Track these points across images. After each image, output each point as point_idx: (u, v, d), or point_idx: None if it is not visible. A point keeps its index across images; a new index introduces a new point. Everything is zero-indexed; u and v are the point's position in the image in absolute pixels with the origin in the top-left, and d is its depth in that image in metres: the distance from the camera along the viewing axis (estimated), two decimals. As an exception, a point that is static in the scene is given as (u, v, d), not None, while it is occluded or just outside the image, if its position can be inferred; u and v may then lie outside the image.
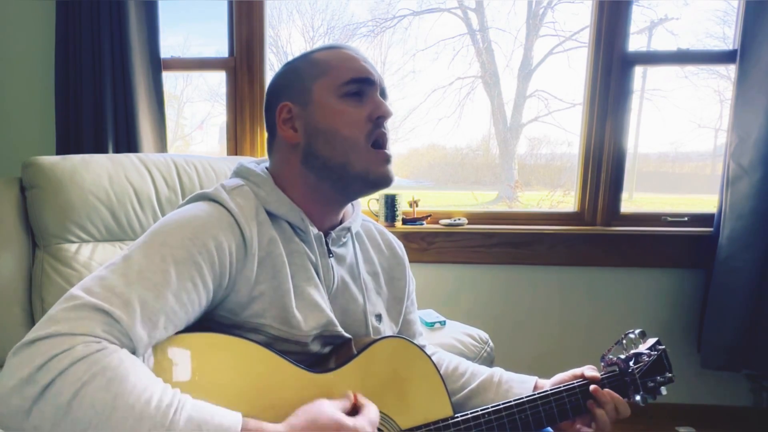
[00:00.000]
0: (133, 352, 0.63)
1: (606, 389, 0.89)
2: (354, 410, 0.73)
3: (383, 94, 0.85)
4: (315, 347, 0.82)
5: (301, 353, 0.79)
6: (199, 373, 0.69)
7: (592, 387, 0.89)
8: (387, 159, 0.82)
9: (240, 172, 0.87)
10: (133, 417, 0.55)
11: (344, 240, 0.90)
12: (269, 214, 0.81)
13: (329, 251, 0.86)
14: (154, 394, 0.58)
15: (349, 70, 0.81)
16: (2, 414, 0.56)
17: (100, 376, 0.56)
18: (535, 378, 0.95)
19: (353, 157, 0.80)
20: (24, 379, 0.55)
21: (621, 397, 0.89)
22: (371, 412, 0.72)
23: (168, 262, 0.68)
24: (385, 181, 0.82)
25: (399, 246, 1.03)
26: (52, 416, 0.54)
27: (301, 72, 0.84)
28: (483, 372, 0.99)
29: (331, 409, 0.68)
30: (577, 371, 0.92)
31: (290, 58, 0.89)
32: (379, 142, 0.81)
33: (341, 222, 0.90)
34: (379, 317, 0.92)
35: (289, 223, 0.83)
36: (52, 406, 0.54)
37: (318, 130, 0.81)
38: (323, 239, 0.85)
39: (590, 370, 0.92)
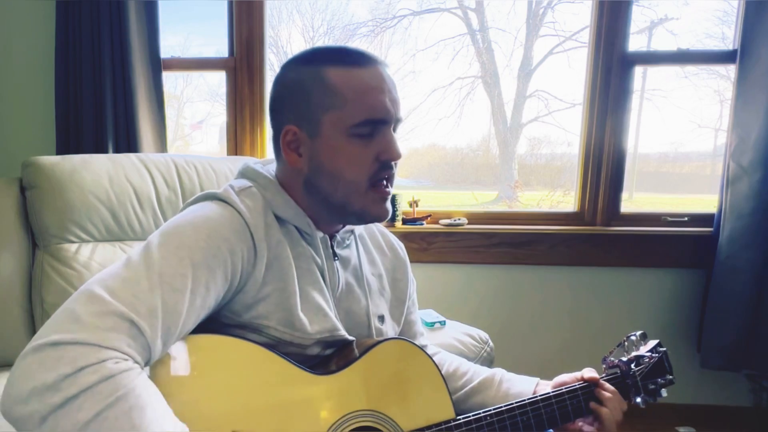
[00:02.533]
0: (150, 361, 0.64)
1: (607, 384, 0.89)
2: None
3: (398, 122, 0.81)
4: (315, 350, 0.82)
5: (300, 355, 0.79)
6: (199, 374, 0.69)
7: (596, 390, 0.89)
8: (384, 198, 0.80)
9: (246, 173, 0.86)
10: None
11: (348, 242, 0.90)
12: (276, 216, 0.81)
13: (334, 254, 0.86)
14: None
15: (364, 108, 0.76)
16: (17, 414, 0.55)
17: (123, 402, 0.56)
18: (537, 379, 0.95)
19: (353, 198, 0.78)
20: (48, 384, 0.54)
21: (615, 390, 0.89)
22: None
23: (186, 265, 0.67)
24: (380, 220, 0.82)
25: (400, 247, 1.03)
26: (67, 430, 0.54)
27: (311, 96, 0.77)
28: (484, 371, 0.99)
29: None
30: (577, 374, 0.92)
31: (291, 57, 0.83)
32: (380, 180, 0.79)
33: (344, 224, 0.90)
34: (381, 318, 0.92)
35: (296, 227, 0.83)
36: (70, 420, 0.54)
37: (323, 167, 0.78)
38: (328, 242, 0.86)
39: (589, 372, 0.92)
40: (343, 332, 0.83)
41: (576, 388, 0.89)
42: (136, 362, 0.61)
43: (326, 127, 0.77)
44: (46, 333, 0.58)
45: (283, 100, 0.81)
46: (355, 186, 0.78)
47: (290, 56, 0.83)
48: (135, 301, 0.62)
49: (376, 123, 0.77)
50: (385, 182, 0.80)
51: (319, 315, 0.81)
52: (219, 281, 0.71)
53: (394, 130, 0.81)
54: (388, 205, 0.81)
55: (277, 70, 0.85)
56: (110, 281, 0.63)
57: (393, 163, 0.79)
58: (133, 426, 0.56)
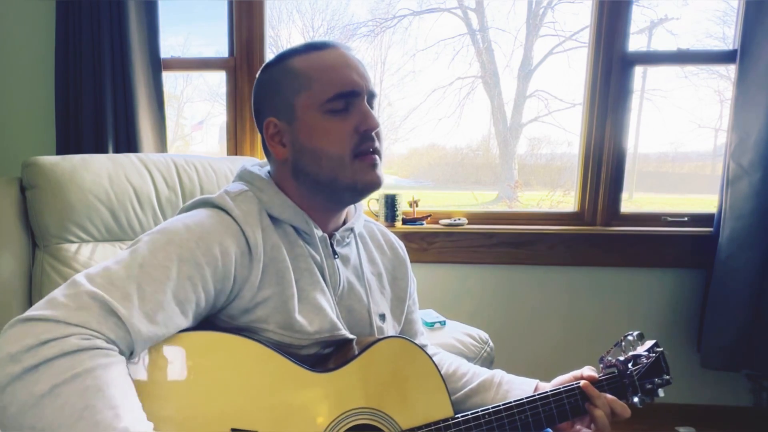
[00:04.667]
0: (132, 346, 0.63)
1: (597, 390, 0.88)
2: None
3: (372, 96, 0.82)
4: (314, 349, 0.82)
5: (300, 355, 0.79)
6: (197, 372, 0.69)
7: (582, 383, 0.88)
8: (373, 164, 0.80)
9: (243, 176, 0.87)
10: None
11: (348, 240, 0.90)
12: (273, 218, 0.81)
13: (334, 252, 0.86)
14: (123, 420, 0.56)
15: (331, 84, 0.78)
16: None
17: (80, 380, 0.56)
18: (536, 381, 0.95)
19: (340, 172, 0.78)
20: (11, 354, 0.56)
21: (617, 399, 0.88)
22: None
23: (171, 259, 0.68)
24: (373, 187, 0.81)
25: (401, 246, 1.03)
26: (22, 402, 0.54)
27: (281, 86, 0.81)
28: (484, 373, 0.99)
29: None
30: (576, 373, 0.92)
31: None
32: (365, 151, 0.79)
33: (344, 223, 0.90)
34: (382, 317, 0.92)
35: (294, 227, 0.83)
36: (26, 392, 0.54)
37: (304, 148, 0.80)
38: (328, 241, 0.86)
39: (589, 370, 0.91)
40: (343, 331, 0.83)
41: (573, 388, 0.89)
42: (110, 340, 0.61)
43: (300, 110, 0.79)
44: (24, 312, 0.60)
45: (259, 100, 0.86)
46: (338, 160, 0.78)
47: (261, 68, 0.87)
48: (110, 285, 0.63)
49: (347, 96, 0.78)
50: (370, 151, 0.80)
51: (319, 315, 0.81)
52: (209, 278, 0.71)
53: (371, 105, 0.81)
54: (379, 171, 0.81)
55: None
56: (93, 270, 0.66)
57: (374, 134, 0.79)
58: (86, 406, 0.55)
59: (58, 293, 0.62)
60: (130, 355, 0.64)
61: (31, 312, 0.59)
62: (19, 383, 0.55)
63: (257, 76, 0.87)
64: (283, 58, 0.82)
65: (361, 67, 0.81)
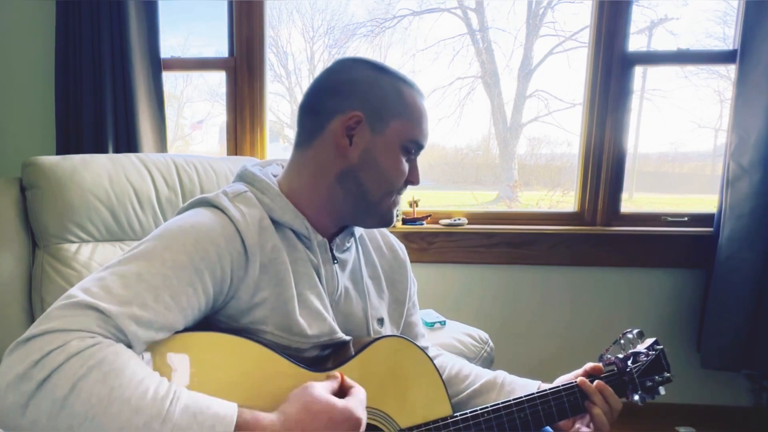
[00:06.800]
0: (130, 346, 0.63)
1: (596, 380, 0.88)
2: (342, 391, 0.73)
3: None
4: (313, 353, 0.82)
5: (298, 357, 0.79)
6: (198, 372, 0.69)
7: (579, 380, 0.88)
8: (396, 203, 0.89)
9: (244, 177, 0.86)
10: (129, 409, 0.56)
11: (348, 245, 0.90)
12: (273, 221, 0.80)
13: (333, 257, 0.86)
14: (149, 386, 0.58)
15: (420, 131, 0.84)
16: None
17: (96, 370, 0.56)
18: (539, 382, 0.95)
19: (386, 199, 0.85)
20: (20, 375, 0.56)
21: (608, 386, 0.88)
22: (360, 393, 0.72)
23: (168, 266, 0.67)
24: (390, 223, 0.89)
25: (401, 248, 1.03)
26: (48, 410, 0.55)
27: (387, 97, 0.82)
28: (486, 374, 0.99)
29: (322, 392, 0.68)
30: (578, 371, 0.92)
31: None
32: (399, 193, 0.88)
33: (345, 226, 0.90)
34: (381, 321, 0.92)
35: (293, 231, 0.82)
36: (48, 400, 0.55)
37: (377, 163, 0.82)
38: (327, 246, 0.86)
39: (592, 365, 0.91)
40: (339, 334, 0.83)
41: (573, 386, 0.89)
42: (108, 338, 0.61)
43: (391, 131, 0.82)
44: (23, 333, 0.60)
45: (356, 86, 0.83)
46: (392, 189, 0.85)
47: (354, 57, 0.88)
48: (106, 294, 0.63)
49: (419, 146, 0.86)
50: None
51: (317, 319, 0.80)
52: (208, 282, 0.71)
53: None
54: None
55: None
56: (87, 282, 0.65)
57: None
58: (112, 388, 0.56)
59: (52, 309, 0.61)
60: None
61: (29, 332, 0.59)
62: (38, 396, 0.55)
63: (355, 64, 0.85)
64: (393, 76, 0.84)
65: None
